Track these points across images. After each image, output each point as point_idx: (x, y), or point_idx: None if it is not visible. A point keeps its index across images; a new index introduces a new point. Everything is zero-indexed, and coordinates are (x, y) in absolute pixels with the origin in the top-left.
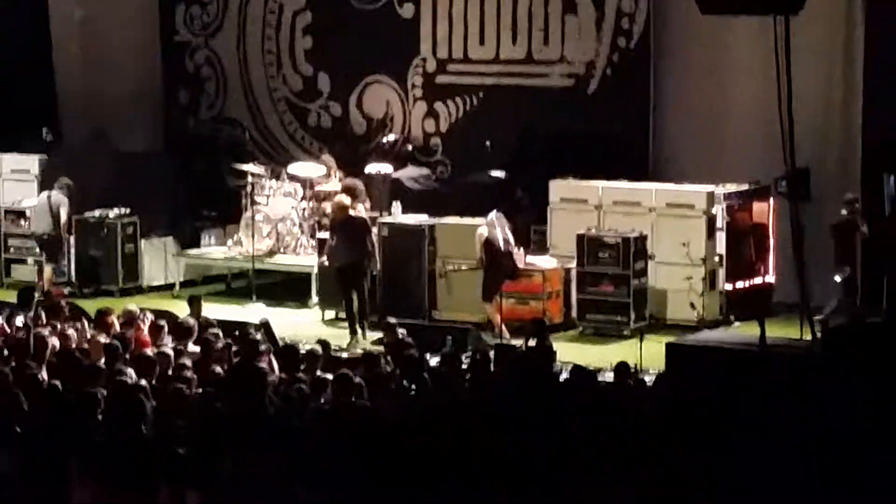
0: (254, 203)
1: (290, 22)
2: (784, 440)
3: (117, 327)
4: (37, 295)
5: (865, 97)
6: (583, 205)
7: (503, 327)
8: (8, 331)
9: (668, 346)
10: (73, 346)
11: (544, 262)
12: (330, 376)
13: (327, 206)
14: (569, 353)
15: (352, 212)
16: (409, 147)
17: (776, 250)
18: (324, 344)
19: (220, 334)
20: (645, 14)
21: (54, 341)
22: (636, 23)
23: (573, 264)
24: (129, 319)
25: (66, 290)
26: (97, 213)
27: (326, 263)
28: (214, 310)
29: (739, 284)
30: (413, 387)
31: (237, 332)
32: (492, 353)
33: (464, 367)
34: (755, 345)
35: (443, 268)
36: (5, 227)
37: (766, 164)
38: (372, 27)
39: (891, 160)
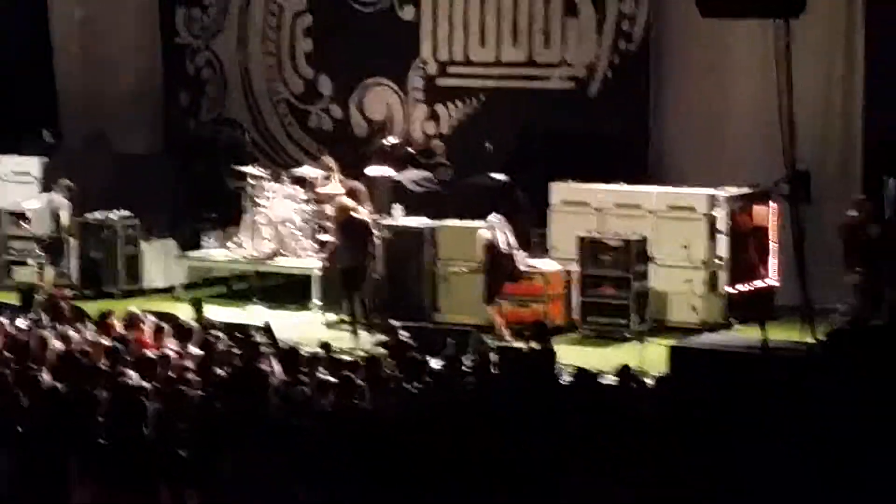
0: (255, 205)
1: (291, 24)
2: (784, 441)
3: (118, 329)
4: (38, 296)
5: (866, 99)
6: (583, 207)
7: (504, 329)
8: (9, 332)
9: (672, 349)
10: (75, 347)
11: (545, 264)
12: (332, 379)
13: (328, 209)
14: (570, 355)
15: (353, 214)
16: (410, 149)
17: (779, 253)
18: (325, 346)
19: (222, 336)
20: (645, 16)
21: (56, 343)
22: (636, 25)
23: (574, 267)
24: (131, 322)
25: (68, 293)
26: (98, 215)
27: (327, 264)
28: (215, 312)
29: (741, 287)
30: (414, 388)
31: (239, 335)
32: (493, 356)
33: (465, 369)
34: (757, 347)
35: (445, 269)
36: (6, 229)
37: (766, 165)
38: (372, 29)
39: (891, 162)
